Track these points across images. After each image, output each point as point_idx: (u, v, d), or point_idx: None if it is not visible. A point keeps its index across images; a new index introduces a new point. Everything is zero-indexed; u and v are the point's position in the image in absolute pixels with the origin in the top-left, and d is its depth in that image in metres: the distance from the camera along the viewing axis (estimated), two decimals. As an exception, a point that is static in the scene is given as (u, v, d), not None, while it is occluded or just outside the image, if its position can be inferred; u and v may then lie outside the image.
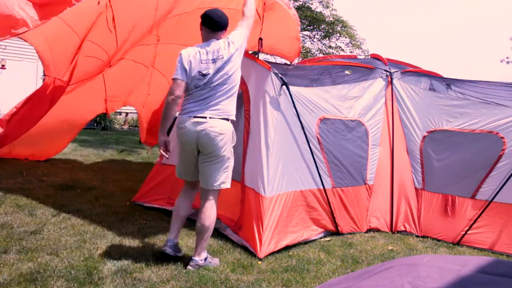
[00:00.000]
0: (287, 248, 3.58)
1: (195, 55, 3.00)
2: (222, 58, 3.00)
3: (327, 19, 15.00)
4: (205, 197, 3.07)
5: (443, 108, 4.32)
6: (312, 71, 4.34)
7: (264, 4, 3.66)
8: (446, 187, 4.21)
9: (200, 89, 2.98)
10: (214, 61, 2.99)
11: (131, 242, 3.42)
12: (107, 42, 4.59)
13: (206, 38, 3.11)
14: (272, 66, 3.81)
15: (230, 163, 3.09)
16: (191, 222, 4.08)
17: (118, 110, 15.33)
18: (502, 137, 4.00)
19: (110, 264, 2.97)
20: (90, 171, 6.17)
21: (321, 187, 3.92)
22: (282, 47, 4.30)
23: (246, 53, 3.98)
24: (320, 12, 15.07)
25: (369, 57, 5.93)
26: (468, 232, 4.04)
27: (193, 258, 3.03)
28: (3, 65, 11.10)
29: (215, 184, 3.02)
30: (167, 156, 3.11)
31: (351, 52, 15.66)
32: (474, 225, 4.02)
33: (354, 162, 4.23)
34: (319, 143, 3.97)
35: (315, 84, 4.12)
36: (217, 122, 2.95)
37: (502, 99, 4.14)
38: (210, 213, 3.04)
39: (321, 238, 3.94)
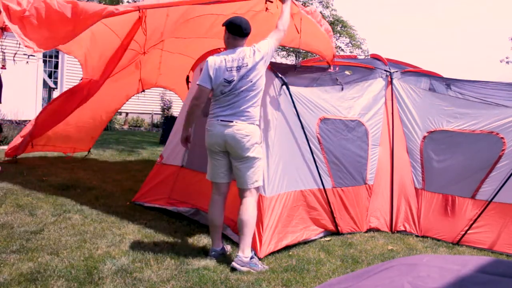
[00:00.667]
0: (287, 248, 3.58)
1: (220, 63, 3.11)
2: (247, 65, 3.10)
3: (327, 19, 14.99)
4: (242, 195, 3.23)
5: (443, 108, 4.32)
6: (312, 71, 4.35)
7: (301, 19, 3.68)
8: (446, 187, 4.21)
9: (226, 95, 3.12)
10: (238, 68, 3.10)
11: (131, 242, 3.43)
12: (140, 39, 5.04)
13: (231, 45, 3.21)
14: (272, 66, 3.81)
15: (260, 163, 3.24)
16: (191, 222, 4.09)
17: (119, 110, 15.33)
18: (502, 138, 4.00)
19: (110, 264, 2.97)
20: (90, 171, 6.17)
21: (321, 187, 3.92)
22: (318, 46, 4.32)
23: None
24: (320, 12, 15.06)
25: (369, 57, 5.93)
26: (468, 232, 4.04)
27: (237, 254, 3.11)
28: (3, 65, 11.10)
29: (249, 184, 3.18)
30: (188, 148, 3.45)
31: (351, 52, 15.66)
32: (474, 225, 4.02)
33: (354, 162, 4.23)
34: (319, 143, 3.97)
35: (315, 84, 4.12)
36: (243, 125, 3.10)
37: (502, 99, 4.14)
38: (246, 208, 3.17)
39: (321, 238, 3.95)
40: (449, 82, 4.49)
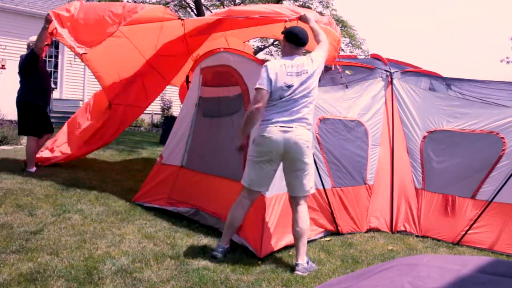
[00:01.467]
0: (287, 248, 3.58)
1: (280, 68, 3.14)
2: (306, 72, 3.16)
3: (327, 19, 14.99)
4: (297, 203, 3.22)
5: (443, 108, 4.32)
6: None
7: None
8: (446, 187, 4.21)
9: (284, 100, 3.11)
10: (298, 74, 3.14)
11: (131, 242, 3.42)
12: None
13: (289, 53, 3.26)
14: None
15: (313, 169, 3.32)
16: (191, 222, 4.08)
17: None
18: (502, 138, 4.00)
19: (110, 264, 2.97)
20: (90, 171, 6.17)
21: (321, 187, 3.92)
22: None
23: (246, 53, 4.00)
24: (320, 12, 15.06)
25: (369, 57, 5.92)
26: (468, 232, 4.04)
27: (297, 263, 3.14)
28: (3, 65, 11.11)
29: (306, 190, 3.21)
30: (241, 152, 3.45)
31: (351, 52, 15.67)
32: (474, 225, 4.02)
33: (354, 162, 4.23)
34: (319, 143, 3.97)
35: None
36: (302, 131, 3.11)
37: (502, 99, 4.14)
38: (306, 217, 3.22)
39: (321, 238, 3.94)
40: (449, 82, 4.49)
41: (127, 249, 3.27)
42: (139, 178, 5.67)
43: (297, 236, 3.19)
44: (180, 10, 14.58)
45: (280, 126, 3.07)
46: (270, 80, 3.10)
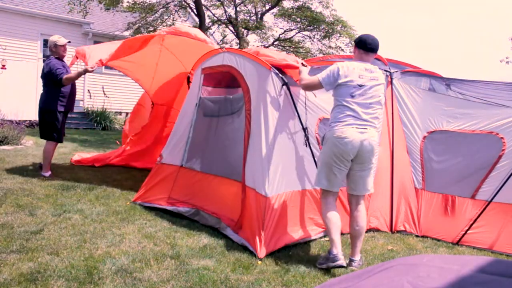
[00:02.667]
0: (287, 248, 3.58)
1: (353, 69, 3.24)
2: (377, 79, 3.29)
3: (327, 19, 14.99)
4: (357, 202, 3.35)
5: (443, 108, 4.32)
6: (312, 71, 4.34)
7: None
8: (446, 187, 4.21)
9: (357, 100, 3.20)
10: (370, 79, 3.26)
11: (131, 242, 3.42)
12: None
13: (360, 59, 3.37)
14: (273, 66, 3.80)
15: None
16: (191, 222, 4.08)
17: (118, 110, 15.35)
18: (502, 138, 4.00)
19: (110, 264, 2.97)
20: (90, 171, 6.17)
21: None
22: None
23: (247, 53, 3.99)
24: (320, 12, 15.05)
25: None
26: (468, 232, 4.04)
27: (353, 258, 3.30)
28: (3, 65, 11.10)
29: (367, 189, 3.34)
30: None
31: (351, 52, 15.64)
32: (474, 225, 4.02)
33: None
34: (319, 143, 3.97)
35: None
36: (374, 132, 3.23)
37: (502, 99, 4.14)
38: (364, 214, 3.37)
39: (321, 238, 3.94)
40: (449, 82, 4.49)
41: (127, 249, 3.27)
42: (139, 178, 5.67)
43: (356, 234, 3.31)
44: (180, 10, 14.57)
45: (356, 127, 3.15)
46: (334, 78, 3.24)
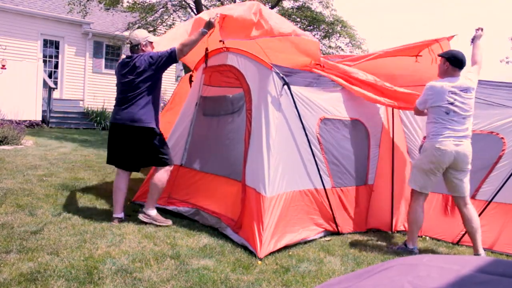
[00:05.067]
0: (287, 248, 3.58)
1: (441, 88, 3.58)
2: (467, 90, 3.59)
3: (327, 19, 14.99)
4: (466, 202, 3.67)
5: (443, 108, 4.31)
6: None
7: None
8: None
9: (452, 116, 3.56)
10: (460, 92, 3.56)
11: (131, 242, 3.42)
12: None
13: (450, 74, 3.66)
14: (274, 65, 3.81)
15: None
16: (191, 222, 4.08)
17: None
18: (502, 138, 3.99)
19: (110, 264, 2.97)
20: (90, 171, 6.17)
21: (321, 187, 3.92)
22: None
23: (248, 53, 3.99)
24: (320, 12, 15.06)
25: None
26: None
27: (477, 254, 3.62)
28: (3, 65, 11.10)
29: (467, 189, 3.67)
30: None
31: (351, 52, 15.64)
32: (474, 225, 4.01)
33: (354, 162, 4.23)
34: (319, 143, 3.97)
35: (315, 84, 4.11)
36: (468, 144, 3.59)
37: (502, 99, 4.14)
38: (475, 213, 3.68)
39: (321, 238, 3.94)
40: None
41: (127, 249, 3.27)
42: (139, 177, 5.67)
43: (473, 231, 3.61)
44: (180, 10, 14.57)
45: (453, 140, 3.54)
46: (426, 100, 3.65)
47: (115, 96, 4.04)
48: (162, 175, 3.97)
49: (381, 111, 4.48)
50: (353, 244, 3.85)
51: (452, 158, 3.55)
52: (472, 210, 3.65)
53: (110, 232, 3.63)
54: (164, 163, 3.97)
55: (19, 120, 10.39)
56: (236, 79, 4.04)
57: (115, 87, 4.08)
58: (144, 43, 3.97)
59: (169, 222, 3.95)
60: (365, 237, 4.10)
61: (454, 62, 3.64)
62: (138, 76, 3.82)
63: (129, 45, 4.06)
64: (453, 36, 4.24)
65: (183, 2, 14.12)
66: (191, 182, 4.30)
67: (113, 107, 4.05)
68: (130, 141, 3.87)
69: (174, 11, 14.26)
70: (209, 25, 3.79)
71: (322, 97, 4.05)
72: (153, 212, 3.95)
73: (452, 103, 3.55)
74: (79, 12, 13.30)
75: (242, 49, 4.08)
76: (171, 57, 3.82)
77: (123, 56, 4.05)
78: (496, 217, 3.95)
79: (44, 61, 14.12)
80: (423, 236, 4.27)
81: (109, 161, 4.10)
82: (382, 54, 4.41)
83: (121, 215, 3.97)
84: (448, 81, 3.62)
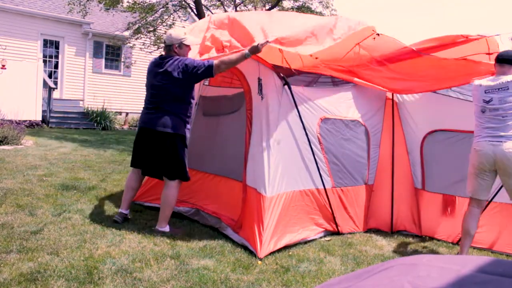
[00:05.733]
0: (287, 248, 3.58)
1: (479, 86, 3.48)
2: (507, 88, 3.38)
3: (327, 19, 14.98)
4: None
5: (444, 108, 4.31)
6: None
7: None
8: (446, 187, 4.21)
9: (488, 115, 3.42)
10: (498, 91, 3.39)
11: (131, 242, 3.42)
12: None
13: (496, 72, 3.52)
14: (274, 65, 3.81)
15: None
16: (192, 222, 4.08)
17: (118, 110, 15.35)
18: (502, 137, 3.99)
19: (110, 264, 2.97)
20: (90, 171, 6.17)
21: (322, 187, 3.92)
22: None
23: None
24: (320, 12, 15.06)
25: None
26: (468, 232, 4.03)
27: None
28: (3, 65, 11.10)
29: None
30: None
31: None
32: (474, 225, 4.01)
33: (354, 162, 4.23)
34: (320, 143, 3.97)
35: (315, 84, 4.11)
36: (510, 144, 3.35)
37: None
38: None
39: (321, 238, 3.94)
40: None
41: (127, 249, 3.27)
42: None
43: None
44: (180, 10, 14.57)
45: (489, 141, 3.39)
46: (473, 99, 3.54)
47: (145, 98, 3.87)
48: (174, 192, 3.76)
49: (381, 110, 4.47)
50: (353, 244, 3.85)
51: (491, 160, 3.39)
52: None
53: (110, 232, 3.63)
54: (182, 176, 3.76)
55: (19, 120, 10.39)
56: (237, 79, 4.04)
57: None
58: (177, 44, 3.69)
59: (167, 227, 3.79)
60: (365, 237, 4.10)
61: (498, 59, 3.51)
62: (169, 82, 3.61)
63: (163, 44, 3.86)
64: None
65: (183, 2, 14.12)
66: (191, 182, 4.29)
67: (141, 110, 3.88)
68: (157, 146, 3.68)
69: (174, 11, 14.26)
70: (255, 50, 3.39)
71: (322, 97, 4.05)
72: (166, 229, 3.76)
73: (488, 101, 3.42)
74: (79, 12, 13.30)
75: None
76: (207, 71, 3.55)
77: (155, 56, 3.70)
78: (496, 217, 3.95)
79: (44, 61, 14.12)
80: (423, 236, 4.27)
81: (133, 164, 3.94)
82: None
83: (127, 211, 3.98)
84: (489, 79, 3.49)
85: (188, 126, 3.77)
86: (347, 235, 4.11)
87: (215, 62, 3.53)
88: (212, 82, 4.42)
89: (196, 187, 4.25)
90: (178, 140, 3.68)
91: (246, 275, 2.96)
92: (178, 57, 3.67)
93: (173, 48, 3.70)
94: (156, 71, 3.70)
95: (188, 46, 3.75)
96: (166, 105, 3.64)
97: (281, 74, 3.72)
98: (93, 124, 13.47)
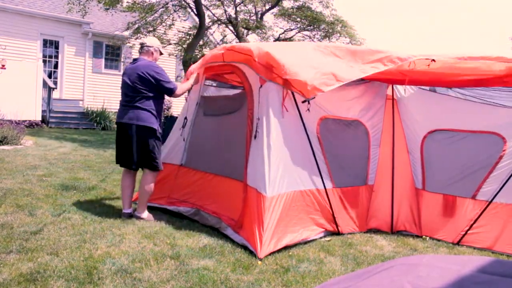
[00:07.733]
0: (287, 248, 3.57)
1: None
2: None
3: (327, 19, 14.97)
4: None
5: (444, 108, 4.31)
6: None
7: None
8: (446, 187, 4.21)
9: None
10: None
11: (131, 242, 3.42)
12: None
13: None
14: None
15: None
16: (192, 222, 4.08)
17: (118, 110, 15.33)
18: (503, 138, 3.99)
19: (110, 264, 2.97)
20: (90, 171, 6.17)
21: (322, 187, 3.92)
22: None
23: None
24: (320, 12, 15.04)
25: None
26: (468, 232, 4.03)
27: None
28: (3, 65, 11.10)
29: None
30: None
31: (350, 52, 15.56)
32: (474, 225, 4.01)
33: (354, 162, 4.23)
34: (320, 143, 3.97)
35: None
36: None
37: (503, 99, 4.13)
38: None
39: (321, 238, 3.94)
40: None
41: (127, 249, 3.27)
42: (139, 178, 5.66)
43: None
44: (180, 10, 14.56)
45: None
46: None
47: (121, 96, 4.18)
48: (150, 180, 4.13)
49: (381, 110, 4.47)
50: (353, 244, 3.85)
51: None
52: None
53: (110, 232, 3.63)
54: (154, 167, 4.11)
55: (19, 120, 10.39)
56: (238, 79, 4.04)
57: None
58: (156, 49, 4.20)
59: (146, 213, 4.14)
60: (365, 237, 4.10)
61: None
62: (140, 83, 3.99)
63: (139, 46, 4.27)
64: None
65: (183, 2, 14.11)
66: (191, 182, 4.30)
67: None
68: (131, 139, 4.03)
69: (174, 11, 14.25)
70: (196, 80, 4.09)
71: (322, 97, 4.04)
72: (145, 215, 4.12)
73: None
74: (78, 11, 13.29)
75: (244, 49, 4.07)
76: (168, 91, 4.07)
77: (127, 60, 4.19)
78: (496, 217, 3.95)
79: (44, 61, 14.12)
80: (423, 236, 4.26)
81: (116, 161, 4.32)
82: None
83: (130, 210, 4.15)
84: None
85: (158, 117, 4.12)
86: (347, 235, 4.11)
87: (178, 90, 4.08)
88: (213, 82, 4.42)
89: (196, 187, 4.24)
90: (153, 133, 4.03)
91: (246, 275, 2.96)
92: (150, 61, 4.12)
93: (150, 51, 4.18)
94: (130, 72, 4.11)
95: (161, 54, 4.28)
96: (140, 102, 4.00)
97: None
98: (93, 124, 13.47)
